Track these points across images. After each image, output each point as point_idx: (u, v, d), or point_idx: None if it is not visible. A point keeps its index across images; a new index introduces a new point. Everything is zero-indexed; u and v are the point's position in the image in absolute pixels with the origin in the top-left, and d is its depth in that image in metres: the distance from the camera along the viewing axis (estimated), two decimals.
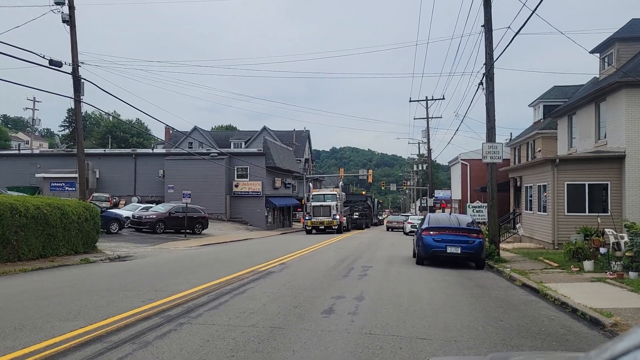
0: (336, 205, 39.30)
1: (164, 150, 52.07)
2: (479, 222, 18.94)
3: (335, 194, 41.13)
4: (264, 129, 69.92)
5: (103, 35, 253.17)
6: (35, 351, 5.35)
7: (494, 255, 16.73)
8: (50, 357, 5.15)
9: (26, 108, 64.96)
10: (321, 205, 38.99)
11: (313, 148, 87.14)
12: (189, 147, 57.97)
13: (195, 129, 67.37)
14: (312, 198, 40.51)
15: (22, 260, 13.73)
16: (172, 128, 53.92)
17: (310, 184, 45.28)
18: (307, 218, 39.45)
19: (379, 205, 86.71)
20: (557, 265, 14.84)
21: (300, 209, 52.98)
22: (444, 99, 45.58)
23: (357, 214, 52.86)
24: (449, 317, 7.67)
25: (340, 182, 52.07)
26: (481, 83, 18.21)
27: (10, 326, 6.51)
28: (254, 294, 9.31)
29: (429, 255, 15.35)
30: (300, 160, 66.67)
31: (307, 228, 38.85)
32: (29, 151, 56.60)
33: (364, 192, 64.72)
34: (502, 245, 20.67)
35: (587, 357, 1.28)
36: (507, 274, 13.30)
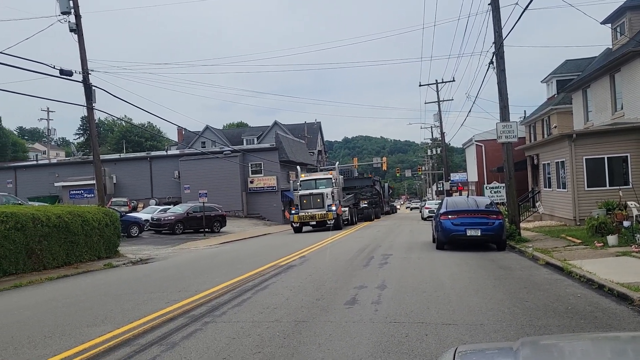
0: (332, 192, 30.22)
1: (177, 152, 52.41)
2: (497, 203, 18.73)
3: (330, 178, 31.65)
4: (275, 123, 69.95)
5: (109, 42, 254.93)
6: (65, 358, 5.43)
7: (515, 235, 16.58)
8: None
9: (41, 119, 65.86)
10: (311, 194, 29.67)
11: (325, 139, 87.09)
12: (202, 147, 58.32)
13: (207, 128, 67.67)
14: (300, 185, 31.78)
15: (47, 269, 13.95)
16: (184, 129, 54.32)
17: (298, 167, 36.26)
18: (293, 212, 29.85)
19: (390, 191, 74.57)
20: (580, 241, 14.66)
21: None
22: (454, 81, 45.40)
23: (365, 202, 44.01)
24: (473, 300, 7.62)
25: (337, 163, 40.16)
26: (491, 62, 17.99)
27: (40, 334, 6.61)
28: (276, 289, 9.34)
29: (448, 239, 15.26)
30: (313, 152, 66.69)
31: (294, 225, 29.51)
32: (46, 161, 57.44)
33: (370, 175, 53.29)
34: (522, 224, 20.48)
35: None
36: (529, 254, 13.17)
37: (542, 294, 8.11)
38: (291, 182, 34.61)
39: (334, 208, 29.22)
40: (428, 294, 8.27)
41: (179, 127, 54.60)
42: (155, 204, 39.35)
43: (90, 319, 7.46)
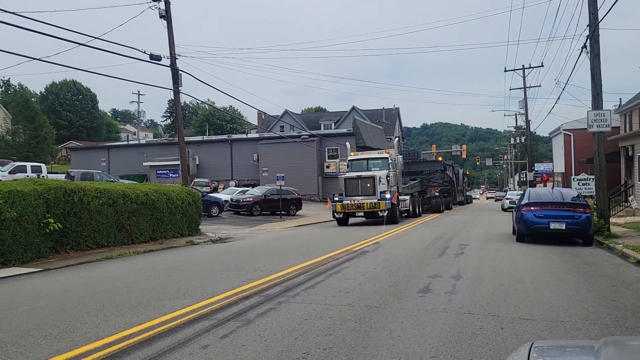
0: (387, 176, 24.09)
1: (257, 135, 53.77)
2: (585, 196, 17.69)
3: (387, 158, 25.45)
4: (353, 108, 69.84)
5: (195, 27, 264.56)
6: (150, 327, 5.78)
7: (603, 230, 15.66)
8: (164, 333, 5.53)
9: (132, 101, 69.84)
10: (359, 177, 23.87)
11: (403, 125, 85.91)
12: (281, 131, 59.39)
13: (285, 112, 68.80)
14: (348, 166, 25.89)
15: (135, 243, 14.87)
16: (264, 113, 55.51)
17: (348, 143, 29.87)
18: (336, 199, 23.90)
19: (466, 179, 63.74)
20: None
21: None
22: (542, 66, 43.06)
23: (435, 190, 38.84)
24: (554, 296, 7.28)
25: (396, 140, 32.28)
26: (585, 46, 16.88)
27: (128, 304, 7.08)
28: (348, 273, 9.40)
29: (530, 232, 14.65)
30: (390, 138, 66.01)
31: (337, 215, 23.72)
32: (136, 141, 60.97)
33: (440, 159, 46.02)
34: (612, 219, 19.25)
35: None
36: (619, 251, 12.37)
37: (631, 293, 7.60)
38: (337, 161, 28.18)
39: (388, 196, 23.15)
40: (505, 286, 8.00)
41: (259, 111, 56.02)
42: (235, 186, 40.67)
43: (173, 292, 7.88)
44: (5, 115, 66.85)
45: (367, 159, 25.83)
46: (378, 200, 23.04)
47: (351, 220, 25.13)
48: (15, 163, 33.82)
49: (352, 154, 26.86)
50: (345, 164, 26.14)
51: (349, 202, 23.36)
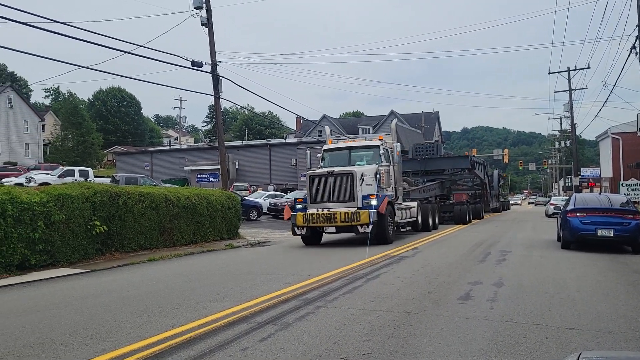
0: (375, 173, 16.54)
1: (295, 140, 54.12)
2: (635, 202, 17.04)
3: (378, 147, 17.50)
4: (392, 112, 69.50)
5: (234, 34, 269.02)
6: (191, 329, 5.87)
7: None
8: (205, 335, 5.62)
9: (174, 107, 71.58)
10: (330, 174, 16.06)
11: (443, 129, 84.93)
12: (319, 135, 59.58)
13: (324, 117, 69.12)
14: (323, 159, 18.18)
15: (176, 246, 15.19)
16: (302, 117, 55.80)
17: (327, 127, 22.33)
18: (297, 207, 16.46)
19: (502, 181, 52.83)
20: None
21: None
22: (589, 68, 41.39)
23: (463, 195, 30.86)
24: (601, 306, 7.02)
25: (394, 121, 24.16)
26: (634, 47, 16.31)
27: (169, 305, 7.23)
28: (387, 278, 9.32)
29: (575, 238, 14.20)
30: (429, 142, 65.34)
31: (298, 231, 16.06)
32: (178, 146, 62.41)
33: (467, 154, 37.77)
34: None
35: None
36: None
37: None
38: (307, 152, 19.49)
39: (373, 202, 15.39)
40: (550, 295, 7.77)
41: (298, 115, 56.32)
42: (274, 190, 41.04)
43: (213, 294, 8.00)
44: (55, 122, 69.60)
45: (350, 147, 18.07)
46: (358, 208, 15.45)
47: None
48: (64, 167, 35.19)
49: (329, 141, 18.87)
50: (320, 155, 18.43)
51: (315, 211, 15.78)
